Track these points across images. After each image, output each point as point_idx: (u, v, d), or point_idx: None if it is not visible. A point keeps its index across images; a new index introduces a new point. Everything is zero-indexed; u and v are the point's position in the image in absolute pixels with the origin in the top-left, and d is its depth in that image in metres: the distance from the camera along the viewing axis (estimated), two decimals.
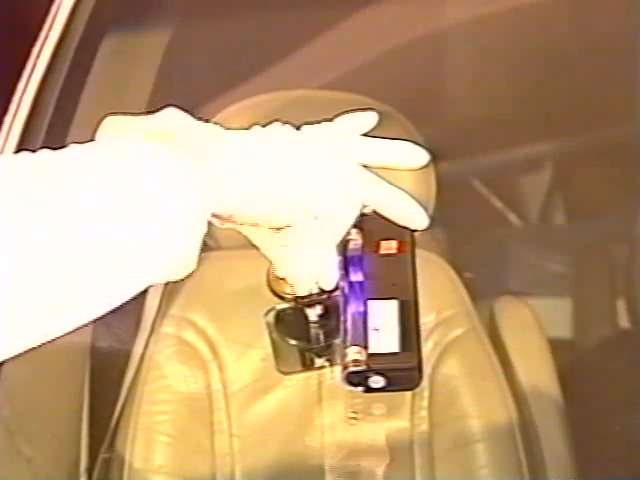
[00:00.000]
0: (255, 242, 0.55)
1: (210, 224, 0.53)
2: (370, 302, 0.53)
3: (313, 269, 0.54)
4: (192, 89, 1.40)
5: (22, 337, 0.41)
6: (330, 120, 0.54)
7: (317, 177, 0.51)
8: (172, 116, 0.49)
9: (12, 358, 0.41)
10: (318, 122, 0.54)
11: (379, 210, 0.53)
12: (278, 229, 0.52)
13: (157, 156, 0.45)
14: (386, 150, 0.54)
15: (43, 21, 1.20)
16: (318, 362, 0.60)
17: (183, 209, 0.44)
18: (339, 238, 0.53)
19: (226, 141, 0.49)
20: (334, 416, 1.14)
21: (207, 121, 0.50)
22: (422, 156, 0.54)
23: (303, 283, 0.54)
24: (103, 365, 1.21)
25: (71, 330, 0.43)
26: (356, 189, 0.52)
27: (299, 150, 0.51)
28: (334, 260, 0.54)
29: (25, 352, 0.41)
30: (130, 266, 0.43)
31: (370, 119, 0.56)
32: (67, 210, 0.41)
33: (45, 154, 0.43)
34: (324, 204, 0.51)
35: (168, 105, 0.49)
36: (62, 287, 0.41)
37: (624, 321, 1.52)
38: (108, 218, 0.42)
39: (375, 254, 0.56)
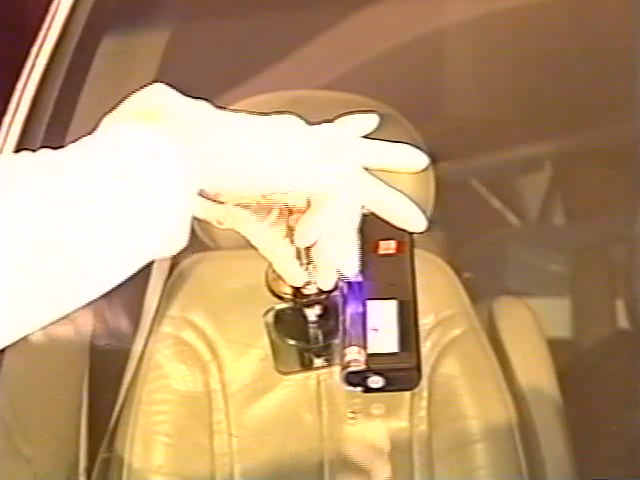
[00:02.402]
0: (254, 242, 0.55)
1: (209, 225, 0.53)
2: (369, 302, 0.53)
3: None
4: (192, 89, 1.40)
5: (23, 320, 0.42)
6: (331, 121, 0.54)
7: (308, 161, 0.50)
8: (159, 92, 0.49)
9: (14, 344, 0.42)
10: (318, 123, 0.54)
11: (377, 212, 0.53)
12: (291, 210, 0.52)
13: (146, 134, 0.45)
14: (386, 153, 0.54)
15: (42, 21, 1.20)
16: (317, 362, 0.60)
17: (171, 185, 0.45)
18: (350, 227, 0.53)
19: (213, 117, 0.49)
20: (333, 416, 1.14)
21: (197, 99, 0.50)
22: (422, 160, 0.54)
23: (298, 276, 0.54)
24: (102, 365, 1.21)
25: (70, 312, 0.44)
26: (354, 190, 0.52)
27: (294, 135, 0.51)
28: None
29: (26, 336, 0.42)
30: (124, 244, 0.44)
31: (371, 121, 0.56)
32: (67, 206, 0.42)
33: (45, 153, 0.44)
34: (314, 188, 0.51)
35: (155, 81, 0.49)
36: (61, 271, 0.42)
37: (624, 321, 1.52)
38: (105, 202, 0.42)
39: (374, 254, 0.56)
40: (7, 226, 0.40)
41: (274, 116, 0.51)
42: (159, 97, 0.48)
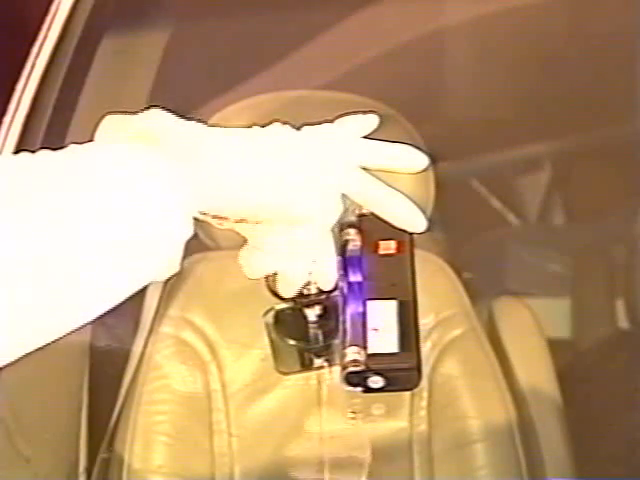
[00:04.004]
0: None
1: (209, 225, 0.53)
2: (369, 302, 0.53)
3: (306, 269, 0.54)
4: (192, 89, 1.40)
5: (22, 339, 0.41)
6: (330, 121, 0.54)
7: (307, 178, 0.50)
8: (155, 117, 0.49)
9: (12, 362, 0.41)
10: (318, 123, 0.54)
11: (377, 213, 0.53)
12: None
13: (142, 158, 0.45)
14: (386, 153, 0.54)
15: (42, 21, 1.20)
16: (317, 362, 0.60)
17: (167, 209, 0.45)
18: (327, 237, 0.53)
19: (209, 140, 0.49)
20: (333, 416, 1.14)
21: (200, 121, 0.50)
22: (422, 160, 0.54)
23: (293, 283, 0.54)
24: (102, 365, 1.21)
25: (69, 332, 0.43)
26: (353, 191, 0.52)
27: (293, 149, 0.51)
28: (331, 260, 0.54)
29: (25, 355, 0.42)
30: (121, 267, 0.44)
31: (371, 122, 0.56)
32: (65, 211, 0.41)
33: (45, 155, 0.43)
34: (311, 205, 0.51)
35: (153, 106, 0.49)
36: (61, 288, 0.41)
37: (623, 321, 1.52)
38: (104, 219, 0.42)
39: (374, 254, 0.56)
40: (6, 227, 0.40)
41: (268, 130, 0.51)
42: (155, 121, 0.48)
